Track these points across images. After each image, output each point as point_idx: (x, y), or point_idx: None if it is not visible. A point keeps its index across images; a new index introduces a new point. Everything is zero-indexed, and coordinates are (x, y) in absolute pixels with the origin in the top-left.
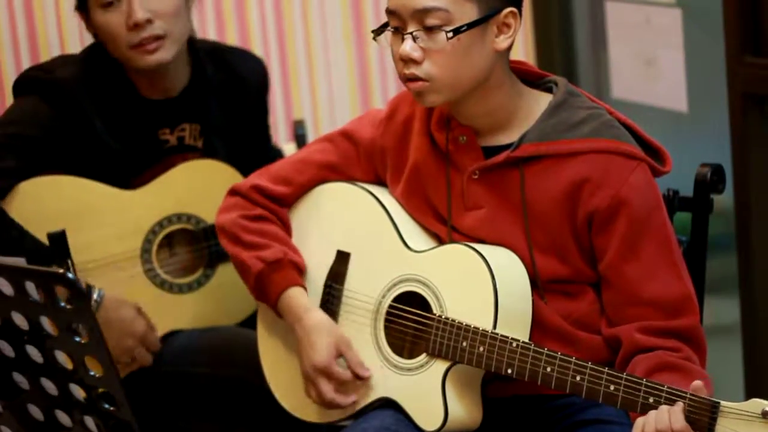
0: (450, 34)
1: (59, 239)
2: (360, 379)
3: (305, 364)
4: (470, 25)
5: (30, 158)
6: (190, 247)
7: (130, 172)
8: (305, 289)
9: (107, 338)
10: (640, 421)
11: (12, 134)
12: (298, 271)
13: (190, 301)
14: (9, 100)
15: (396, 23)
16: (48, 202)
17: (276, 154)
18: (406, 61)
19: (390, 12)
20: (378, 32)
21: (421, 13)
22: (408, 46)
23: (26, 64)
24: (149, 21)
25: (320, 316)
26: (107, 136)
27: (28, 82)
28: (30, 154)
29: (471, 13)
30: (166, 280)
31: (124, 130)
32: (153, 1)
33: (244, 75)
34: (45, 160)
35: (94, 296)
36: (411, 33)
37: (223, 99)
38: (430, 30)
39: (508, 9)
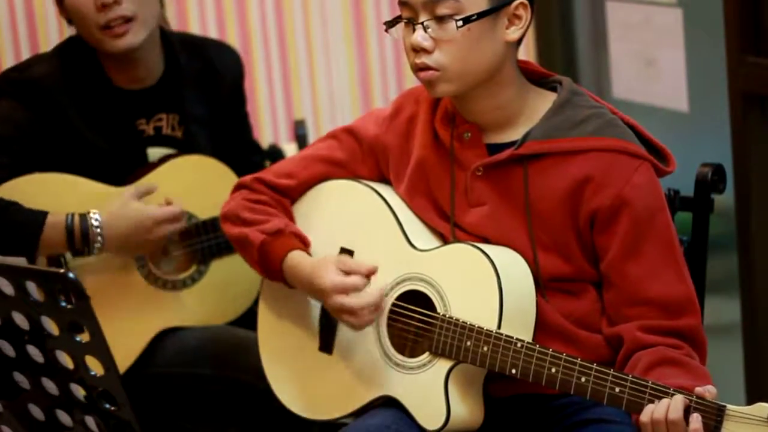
0: (460, 23)
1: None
2: (372, 274)
3: (324, 302)
4: (480, 15)
5: (13, 156)
6: (183, 244)
7: (112, 165)
8: (308, 254)
9: (137, 241)
10: (648, 409)
11: None
12: (301, 240)
13: (185, 297)
14: None
15: (408, 14)
16: (39, 199)
17: (277, 153)
18: (417, 50)
19: (402, 3)
20: (391, 24)
21: (432, 3)
22: (419, 36)
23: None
24: (116, 2)
25: (316, 259)
26: (85, 128)
27: (1, 84)
28: (12, 153)
29: (482, 4)
30: (160, 277)
31: (101, 122)
32: None
33: (219, 65)
34: (28, 159)
35: (92, 218)
36: (422, 23)
37: (200, 88)
38: (440, 19)
39: (519, 1)
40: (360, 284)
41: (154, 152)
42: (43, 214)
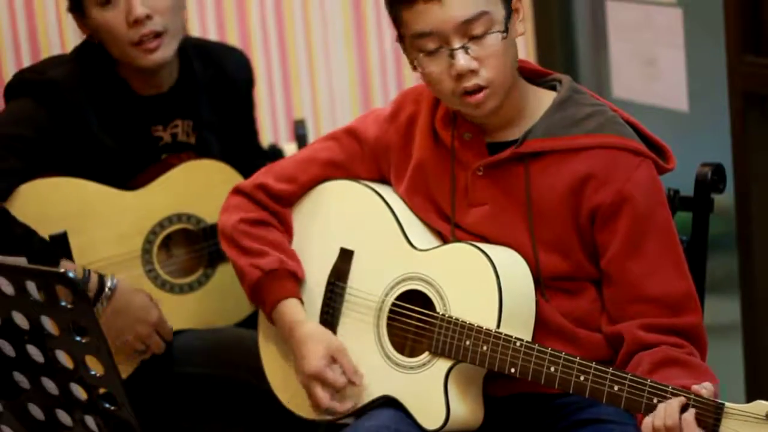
0: (505, 35)
1: (60, 241)
2: (353, 384)
3: (300, 374)
4: (507, 18)
5: (29, 159)
6: (191, 248)
7: (127, 170)
8: (301, 300)
9: (122, 325)
10: (647, 422)
11: (9, 135)
12: (295, 280)
13: (191, 301)
14: None
15: (434, 44)
16: (49, 203)
17: (277, 153)
18: (464, 74)
19: (423, 35)
20: (414, 65)
21: (465, 25)
22: (464, 60)
23: (27, 64)
24: (148, 17)
25: (312, 327)
26: (103, 134)
27: (20, 85)
28: (29, 155)
29: (500, 7)
30: (167, 280)
31: (119, 128)
32: None
33: (230, 70)
34: (43, 162)
35: (108, 284)
36: (463, 47)
37: (212, 94)
38: (477, 38)
39: None
40: (340, 385)
41: None
42: (56, 257)
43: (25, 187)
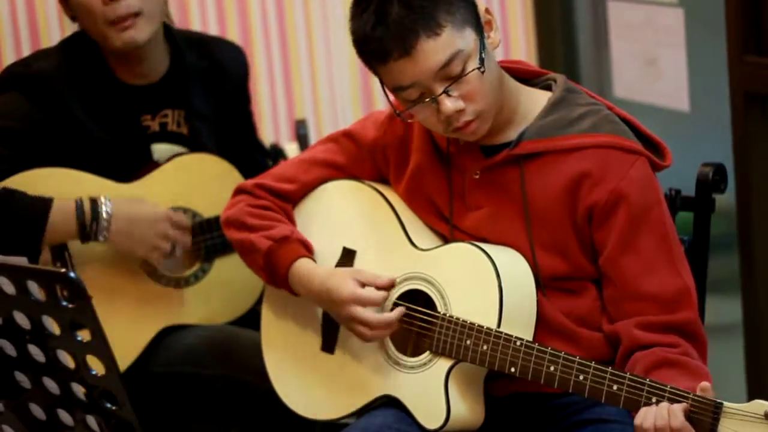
0: (482, 69)
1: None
2: (390, 287)
3: (337, 312)
4: (481, 46)
5: (18, 149)
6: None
7: (115, 160)
8: (314, 261)
9: (139, 236)
10: (640, 414)
11: None
12: (306, 248)
13: (188, 295)
14: None
15: (416, 93)
16: (44, 194)
17: (278, 153)
18: (452, 115)
19: (404, 88)
20: (402, 116)
21: (442, 70)
22: (451, 104)
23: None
24: None
25: (329, 268)
26: (90, 123)
27: (6, 78)
28: (18, 146)
29: (471, 36)
30: (163, 274)
31: (106, 117)
32: None
33: (225, 62)
34: (34, 153)
35: (103, 205)
36: (445, 92)
37: (206, 85)
38: (457, 78)
39: (483, 7)
40: (379, 300)
41: (159, 148)
42: (49, 200)
43: (20, 177)
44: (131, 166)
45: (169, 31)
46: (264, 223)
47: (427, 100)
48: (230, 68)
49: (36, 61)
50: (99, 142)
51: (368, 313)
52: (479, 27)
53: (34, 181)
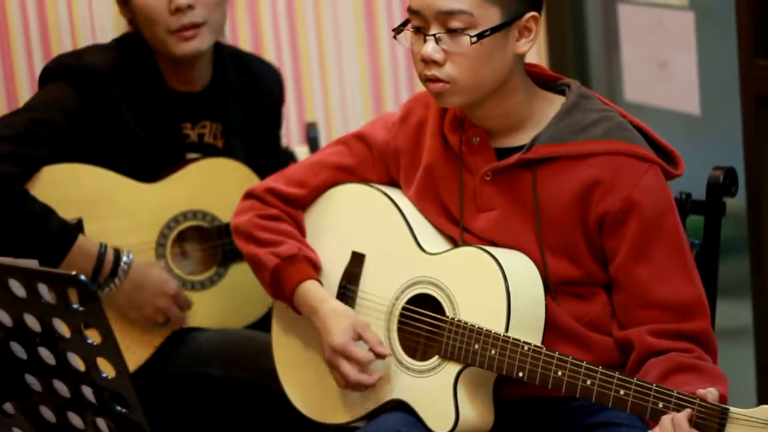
0: (474, 39)
1: (75, 228)
2: (381, 358)
3: (325, 350)
4: (494, 30)
5: (55, 146)
6: (204, 245)
7: (152, 163)
8: (321, 283)
9: (141, 300)
10: None
11: (39, 120)
12: (313, 266)
13: (202, 299)
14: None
15: (418, 23)
16: (66, 189)
17: (289, 156)
18: (428, 62)
19: (412, 11)
20: (398, 31)
21: (445, 15)
22: (430, 48)
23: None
24: (190, 6)
25: (335, 304)
26: (133, 123)
27: (57, 68)
28: (55, 142)
29: (494, 18)
30: (179, 275)
31: (150, 120)
32: None
33: (264, 83)
34: (70, 149)
35: (124, 259)
36: (434, 35)
37: (244, 102)
38: (453, 32)
39: (530, 14)
40: (365, 361)
41: (193, 157)
42: (75, 233)
43: (44, 170)
44: (163, 170)
45: (216, 44)
46: (272, 237)
47: (415, 30)
48: (267, 88)
49: (89, 55)
50: (139, 142)
51: (349, 369)
52: (510, 20)
53: (59, 176)
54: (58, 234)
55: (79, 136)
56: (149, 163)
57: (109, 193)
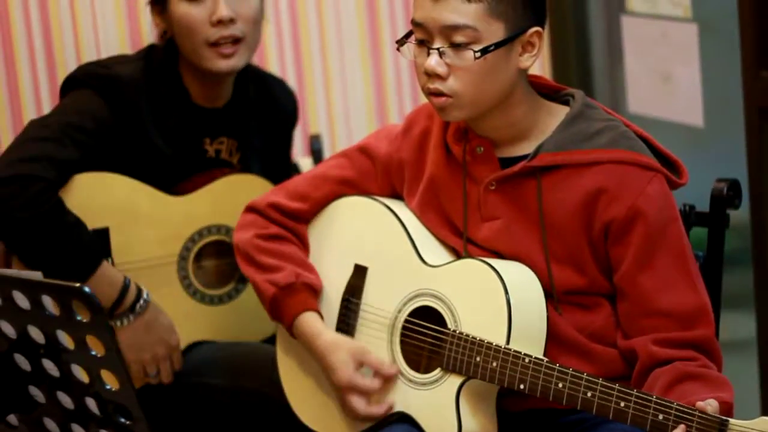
0: (478, 54)
1: (101, 236)
2: (388, 378)
3: (334, 386)
4: (498, 45)
5: (86, 151)
6: (225, 260)
7: (172, 176)
8: (319, 312)
9: (145, 342)
10: None
11: (72, 124)
12: (312, 292)
13: (219, 313)
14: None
15: (422, 35)
16: (95, 197)
17: (292, 168)
18: (431, 75)
19: (416, 24)
20: (401, 42)
21: (449, 30)
22: (433, 62)
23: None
24: (232, 20)
25: (332, 336)
26: (156, 136)
27: (84, 76)
28: (87, 147)
29: (498, 33)
30: (198, 289)
31: (173, 133)
32: (238, 2)
33: (281, 104)
34: (97, 156)
35: (144, 296)
36: (437, 49)
37: (261, 121)
38: (457, 47)
39: (534, 29)
40: (375, 389)
41: None
42: (100, 257)
43: (75, 178)
44: (184, 183)
45: None
46: (271, 262)
47: (419, 42)
48: (283, 108)
49: (116, 65)
50: (161, 155)
51: (358, 404)
52: (514, 35)
53: (87, 184)
54: (89, 246)
55: (106, 145)
56: (169, 176)
57: (137, 204)
